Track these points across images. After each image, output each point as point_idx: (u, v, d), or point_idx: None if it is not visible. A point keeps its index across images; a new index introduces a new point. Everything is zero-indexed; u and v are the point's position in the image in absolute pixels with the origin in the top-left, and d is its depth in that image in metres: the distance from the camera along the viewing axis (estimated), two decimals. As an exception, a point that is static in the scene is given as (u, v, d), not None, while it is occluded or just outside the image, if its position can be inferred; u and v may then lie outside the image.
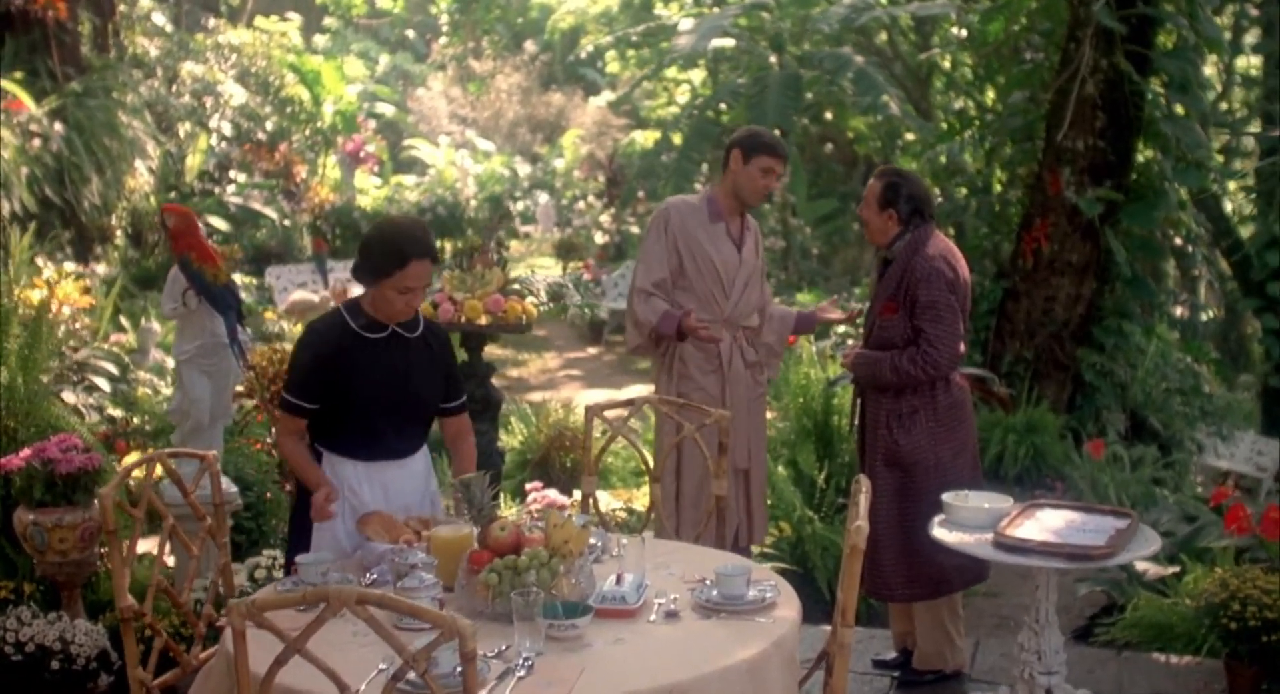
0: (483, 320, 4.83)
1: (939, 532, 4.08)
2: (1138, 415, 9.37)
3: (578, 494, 4.34)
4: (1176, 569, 5.42)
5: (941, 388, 4.60)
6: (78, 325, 8.01)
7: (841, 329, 10.02)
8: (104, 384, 7.62)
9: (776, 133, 5.19)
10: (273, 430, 5.90)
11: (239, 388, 5.90)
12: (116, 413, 7.35)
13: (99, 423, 7.24)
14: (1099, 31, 8.51)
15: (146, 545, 4.83)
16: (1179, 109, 8.98)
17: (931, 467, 4.55)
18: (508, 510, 6.12)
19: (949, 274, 4.52)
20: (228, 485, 4.81)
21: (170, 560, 4.63)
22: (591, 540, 3.38)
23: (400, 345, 3.70)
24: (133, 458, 5.23)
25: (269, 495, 5.54)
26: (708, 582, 3.14)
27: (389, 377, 3.66)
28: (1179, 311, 10.61)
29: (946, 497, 4.20)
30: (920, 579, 4.61)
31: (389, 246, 3.56)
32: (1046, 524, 4.07)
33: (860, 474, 3.25)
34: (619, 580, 3.05)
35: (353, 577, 3.24)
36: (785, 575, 5.81)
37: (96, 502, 4.24)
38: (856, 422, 4.92)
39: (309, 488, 3.62)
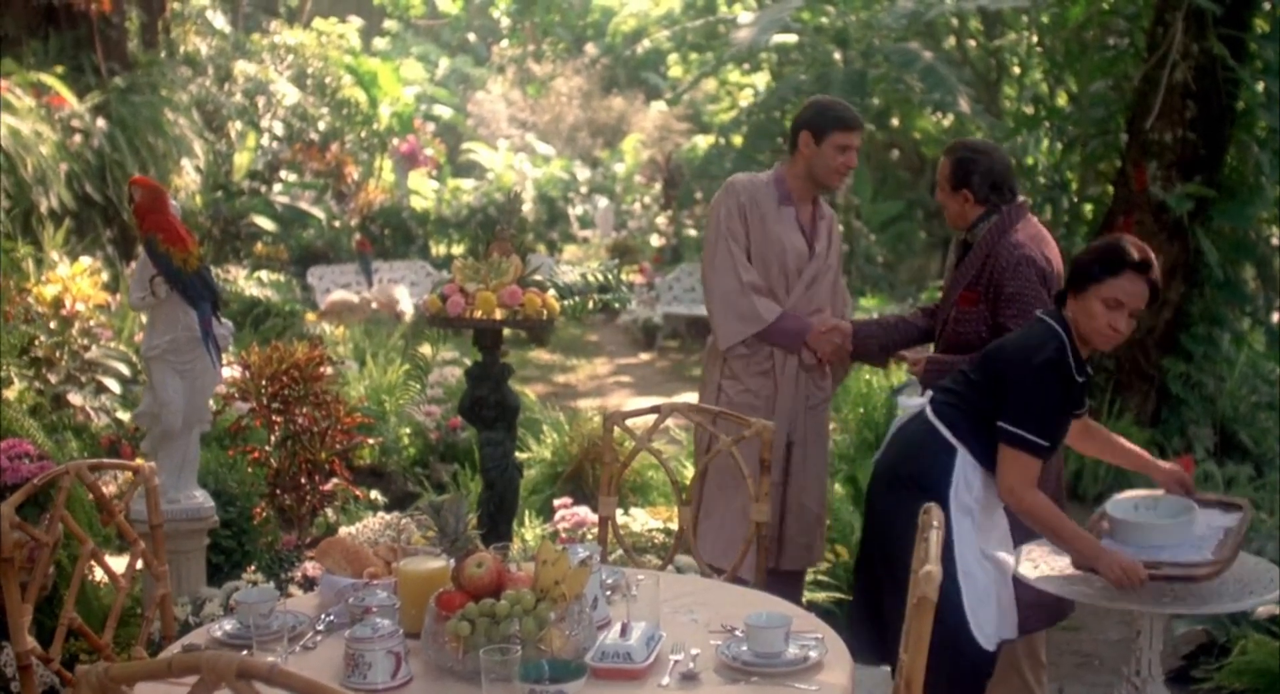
0: (497, 315, 4.26)
1: (1024, 568, 3.45)
2: (1227, 430, 8.69)
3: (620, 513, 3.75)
4: (1289, 607, 4.77)
5: None
6: (92, 323, 7.55)
7: None
8: (114, 385, 7.16)
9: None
10: (271, 439, 5.35)
11: (222, 388, 5.37)
12: (125, 416, 6.88)
13: (106, 426, 6.80)
14: (1190, 13, 7.87)
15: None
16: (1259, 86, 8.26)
17: None
18: (530, 530, 5.53)
19: (1041, 264, 3.88)
20: (203, 499, 4.28)
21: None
22: (604, 578, 2.79)
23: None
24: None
25: (259, 510, 5.00)
26: (738, 633, 2.55)
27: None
28: (1276, 318, 9.85)
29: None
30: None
31: (1107, 251, 3.39)
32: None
33: (930, 502, 2.63)
34: (624, 631, 2.44)
35: (308, 618, 2.68)
36: (840, 607, 5.24)
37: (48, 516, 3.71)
38: None
39: (1091, 561, 3.28)
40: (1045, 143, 9.78)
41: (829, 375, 4.52)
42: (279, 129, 16.47)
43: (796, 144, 4.33)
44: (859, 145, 4.31)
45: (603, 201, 24.46)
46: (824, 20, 14.40)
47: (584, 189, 24.78)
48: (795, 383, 4.35)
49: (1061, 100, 10.56)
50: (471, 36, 32.14)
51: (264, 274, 12.82)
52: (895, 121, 16.25)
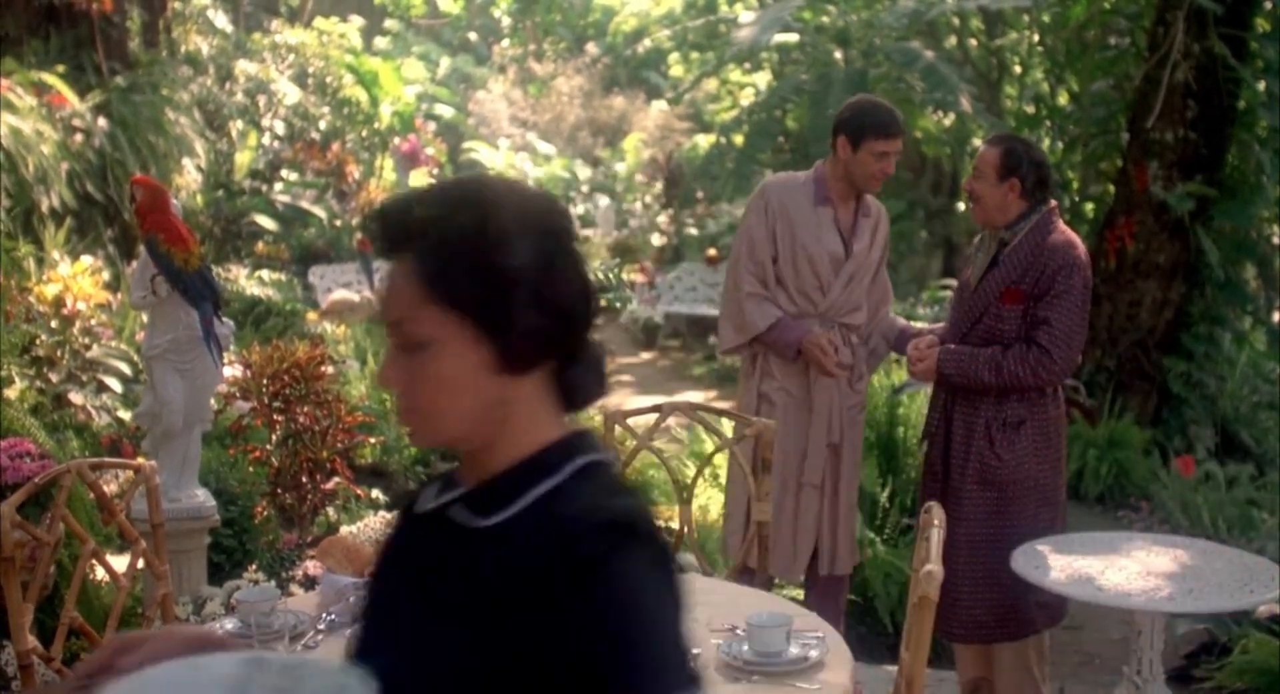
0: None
1: (1023, 566, 3.45)
2: (1228, 430, 8.68)
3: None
4: (1290, 607, 4.77)
5: (1051, 396, 3.97)
6: (93, 322, 7.56)
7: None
8: (116, 384, 7.16)
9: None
10: (272, 438, 5.36)
11: (223, 387, 5.38)
12: (126, 415, 6.88)
13: (107, 425, 6.80)
14: (1191, 13, 7.86)
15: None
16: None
17: (1029, 486, 3.91)
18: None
19: (1088, 271, 3.89)
20: (204, 498, 4.28)
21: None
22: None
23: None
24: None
25: (260, 509, 5.00)
26: (739, 632, 2.54)
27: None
28: (1277, 317, 9.84)
29: None
30: (1010, 617, 3.96)
31: None
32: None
33: (931, 502, 2.62)
34: (625, 631, 2.45)
35: (309, 617, 2.68)
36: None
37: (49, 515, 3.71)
38: (934, 430, 4.22)
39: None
40: (1046, 142, 9.76)
41: (864, 377, 4.52)
42: (280, 128, 16.45)
43: (835, 146, 4.31)
44: (899, 151, 4.27)
45: (604, 201, 24.44)
46: (825, 20, 14.38)
47: (585, 188, 24.76)
48: (835, 386, 4.36)
49: (1063, 99, 10.55)
50: (473, 36, 32.10)
51: (265, 273, 12.81)
52: (896, 120, 16.21)
